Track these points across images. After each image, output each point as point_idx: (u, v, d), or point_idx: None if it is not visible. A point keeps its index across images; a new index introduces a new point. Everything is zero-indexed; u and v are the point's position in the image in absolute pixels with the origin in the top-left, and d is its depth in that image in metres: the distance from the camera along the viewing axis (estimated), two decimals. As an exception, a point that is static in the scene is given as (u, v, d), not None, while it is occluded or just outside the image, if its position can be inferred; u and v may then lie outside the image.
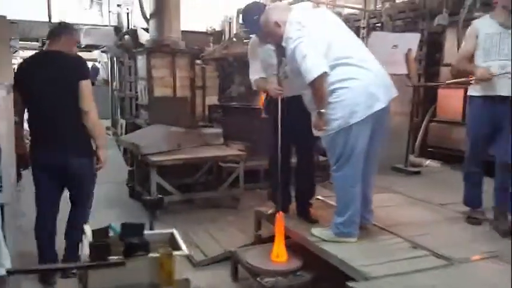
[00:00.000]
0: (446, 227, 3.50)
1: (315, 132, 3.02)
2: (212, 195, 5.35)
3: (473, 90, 3.54)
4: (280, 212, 3.26)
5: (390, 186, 4.72)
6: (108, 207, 5.10)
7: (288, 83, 3.23)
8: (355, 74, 2.87)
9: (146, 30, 7.19)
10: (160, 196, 3.94)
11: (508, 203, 3.33)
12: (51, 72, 3.16)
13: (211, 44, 8.13)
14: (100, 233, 2.51)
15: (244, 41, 7.57)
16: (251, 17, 3.33)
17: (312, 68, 2.73)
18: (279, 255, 3.24)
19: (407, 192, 4.47)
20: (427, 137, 6.46)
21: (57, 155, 3.18)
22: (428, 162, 5.88)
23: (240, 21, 3.71)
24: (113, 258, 2.28)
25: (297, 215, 3.64)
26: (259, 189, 5.57)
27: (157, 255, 2.35)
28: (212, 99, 6.49)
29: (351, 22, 7.77)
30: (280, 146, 3.55)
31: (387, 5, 7.31)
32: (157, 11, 6.19)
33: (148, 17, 6.35)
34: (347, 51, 2.91)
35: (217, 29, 8.85)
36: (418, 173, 5.56)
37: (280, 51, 3.15)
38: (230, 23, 8.58)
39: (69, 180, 3.32)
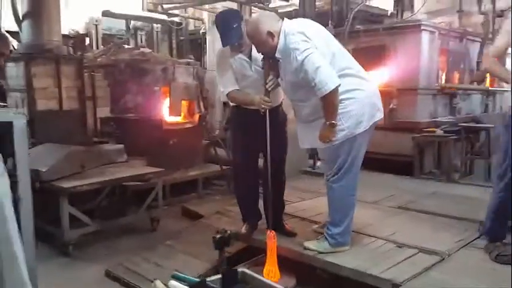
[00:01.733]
0: (403, 222, 3.79)
1: (319, 144, 2.95)
2: (134, 219, 4.77)
3: None
4: (271, 230, 3.09)
5: (318, 190, 4.88)
6: None
7: (272, 95, 3.08)
8: (359, 85, 2.92)
9: (12, 33, 5.99)
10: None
11: None
12: None
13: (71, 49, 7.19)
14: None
15: (126, 47, 6.98)
16: (230, 26, 3.06)
17: (328, 80, 2.67)
18: (271, 275, 3.07)
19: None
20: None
21: None
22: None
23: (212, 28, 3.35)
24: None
25: (269, 227, 3.50)
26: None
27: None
28: (104, 111, 5.76)
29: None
30: (250, 160, 3.41)
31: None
32: (34, 11, 5.20)
33: (21, 18, 5.27)
34: (347, 62, 2.93)
35: (81, 31, 7.89)
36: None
37: (268, 62, 2.98)
38: (97, 25, 7.74)
39: None
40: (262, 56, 3.09)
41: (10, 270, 1.71)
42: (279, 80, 3.03)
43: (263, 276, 3.03)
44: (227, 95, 3.27)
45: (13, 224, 1.77)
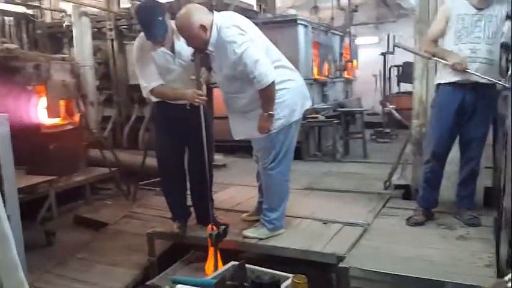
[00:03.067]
0: (317, 201, 4.09)
1: (256, 134, 3.00)
2: (26, 235, 4.19)
3: (441, 78, 3.24)
4: (212, 225, 3.06)
5: (223, 181, 4.94)
6: None
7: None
8: (290, 76, 3.05)
9: None
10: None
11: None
12: None
13: None
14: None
15: None
16: (155, 19, 2.88)
17: (267, 73, 2.77)
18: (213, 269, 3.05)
19: (243, 182, 4.79)
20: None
21: None
22: (220, 156, 6.34)
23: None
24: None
25: (200, 223, 3.47)
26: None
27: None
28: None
29: (93, 23, 7.30)
30: (178, 156, 3.33)
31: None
32: None
33: None
34: (277, 54, 3.03)
35: None
36: (225, 165, 5.97)
37: (199, 55, 2.91)
38: None
39: None
40: (186, 50, 3.03)
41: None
42: (212, 73, 3.00)
43: (205, 271, 3.02)
44: (151, 90, 3.10)
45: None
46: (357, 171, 5.30)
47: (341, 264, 2.74)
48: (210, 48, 2.86)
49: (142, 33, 3.10)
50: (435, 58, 3.20)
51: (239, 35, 2.78)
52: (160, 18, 2.91)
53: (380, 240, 3.13)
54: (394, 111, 7.94)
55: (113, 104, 7.73)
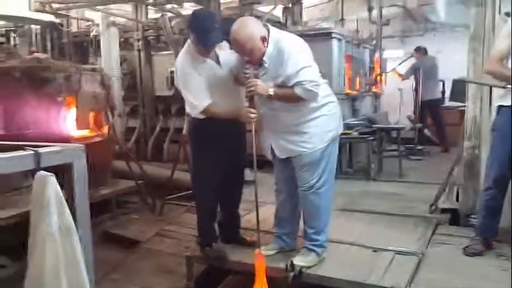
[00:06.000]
0: (358, 225, 3.88)
1: (305, 150, 2.87)
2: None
3: (504, 99, 3.02)
4: (259, 250, 2.89)
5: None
6: None
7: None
8: (330, 90, 3.01)
9: None
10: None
11: None
12: None
13: None
14: None
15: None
16: (213, 26, 2.78)
17: (315, 94, 2.79)
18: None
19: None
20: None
21: None
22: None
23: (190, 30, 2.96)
24: None
25: (226, 241, 3.38)
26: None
27: None
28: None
29: (120, 33, 7.23)
30: (218, 178, 3.18)
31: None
32: None
33: None
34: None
35: None
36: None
37: (252, 69, 2.77)
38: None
39: None
40: (229, 62, 2.99)
41: None
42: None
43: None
44: (204, 110, 2.94)
45: None
46: (394, 191, 5.08)
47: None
48: (265, 59, 2.74)
49: (186, 48, 2.99)
50: (509, 86, 2.91)
51: (301, 50, 2.74)
52: (217, 26, 2.82)
53: (438, 272, 2.92)
54: (426, 131, 7.73)
55: (137, 115, 7.65)
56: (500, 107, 3.08)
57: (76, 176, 1.50)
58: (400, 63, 8.21)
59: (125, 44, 7.47)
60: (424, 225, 3.80)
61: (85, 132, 5.35)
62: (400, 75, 7.96)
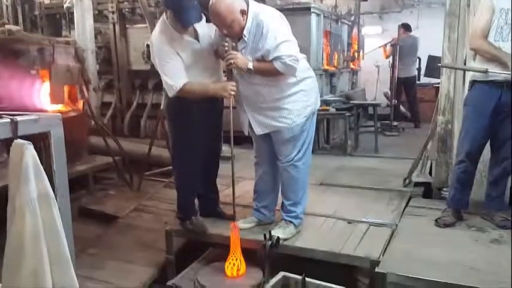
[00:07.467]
0: (335, 198, 3.97)
1: (284, 124, 2.91)
2: None
3: (477, 75, 3.05)
4: (234, 222, 2.92)
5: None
6: None
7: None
8: (308, 64, 3.05)
9: None
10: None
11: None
12: None
13: None
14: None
15: None
16: (191, 2, 2.71)
17: (294, 69, 2.79)
18: (235, 269, 2.91)
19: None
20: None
21: None
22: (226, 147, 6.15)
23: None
24: None
25: (205, 215, 3.40)
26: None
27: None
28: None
29: (94, 5, 7.02)
30: (199, 155, 3.18)
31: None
32: None
33: None
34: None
35: None
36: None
37: (231, 42, 2.75)
38: None
39: None
40: (208, 37, 2.98)
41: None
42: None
43: (226, 271, 2.89)
44: (180, 89, 2.87)
45: None
46: (370, 166, 5.18)
47: (377, 269, 2.61)
48: (245, 33, 2.72)
49: (162, 26, 2.90)
50: (492, 71, 2.95)
51: (280, 24, 2.74)
52: (195, 2, 2.75)
53: (411, 243, 3.00)
54: (401, 107, 7.84)
55: (112, 90, 7.50)
56: (473, 82, 3.15)
57: (54, 145, 1.47)
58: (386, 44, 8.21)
59: (99, 17, 7.27)
60: (398, 198, 3.90)
61: (59, 107, 5.23)
62: (385, 52, 8.03)
